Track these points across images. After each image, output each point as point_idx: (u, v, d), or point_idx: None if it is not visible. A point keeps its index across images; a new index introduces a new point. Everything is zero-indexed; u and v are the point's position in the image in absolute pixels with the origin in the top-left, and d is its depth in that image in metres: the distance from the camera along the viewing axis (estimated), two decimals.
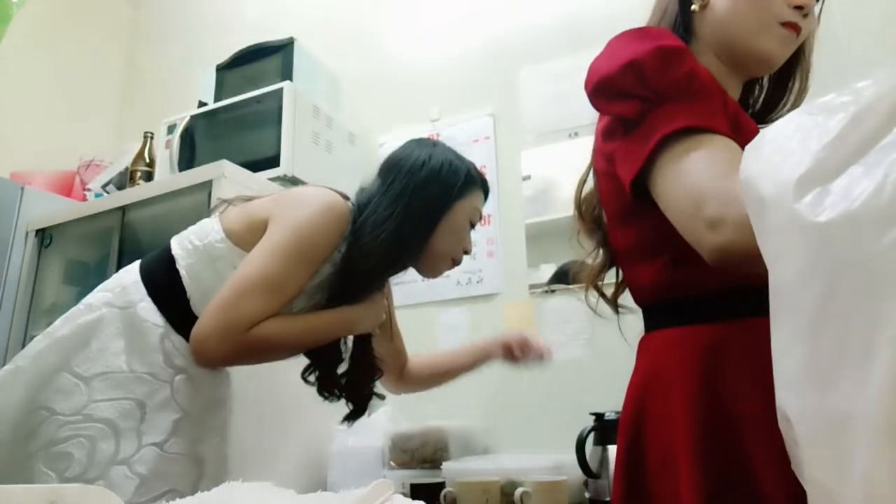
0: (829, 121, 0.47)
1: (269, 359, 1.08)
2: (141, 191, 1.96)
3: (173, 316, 1.05)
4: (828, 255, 0.43)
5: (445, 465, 1.46)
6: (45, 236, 2.12)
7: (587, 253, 0.97)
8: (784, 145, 0.51)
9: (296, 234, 1.04)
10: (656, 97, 0.70)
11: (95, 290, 1.10)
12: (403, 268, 1.18)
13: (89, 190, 2.26)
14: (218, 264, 1.06)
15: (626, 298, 0.95)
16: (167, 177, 2.03)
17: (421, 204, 1.13)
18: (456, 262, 1.23)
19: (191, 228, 1.13)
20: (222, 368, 1.13)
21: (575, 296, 1.80)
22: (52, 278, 2.11)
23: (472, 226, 1.22)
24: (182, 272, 1.06)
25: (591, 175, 0.94)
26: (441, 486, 1.37)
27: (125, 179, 2.22)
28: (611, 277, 0.97)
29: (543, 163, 1.98)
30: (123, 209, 1.93)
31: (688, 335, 0.75)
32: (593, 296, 0.97)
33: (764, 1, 0.80)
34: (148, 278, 1.08)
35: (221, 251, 1.07)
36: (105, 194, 2.18)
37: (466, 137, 2.12)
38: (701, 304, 0.75)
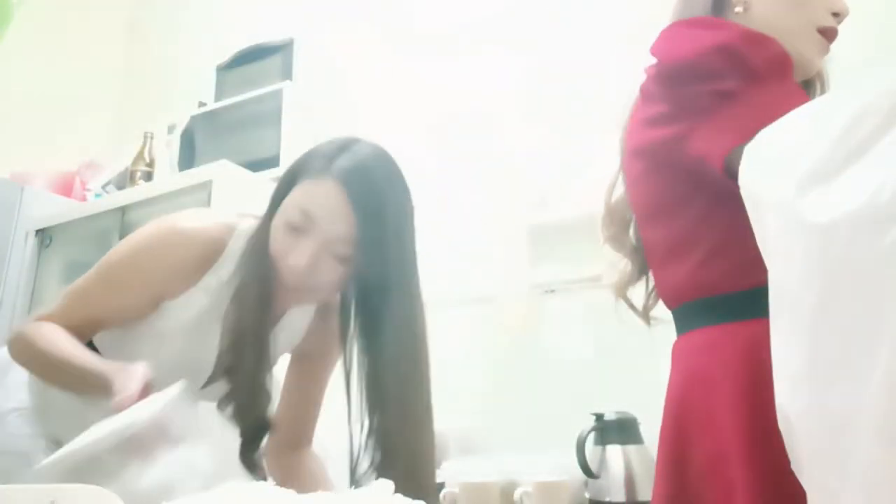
0: (829, 121, 0.47)
1: (33, 364, 0.93)
2: (141, 191, 1.97)
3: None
4: (828, 255, 0.43)
5: (445, 465, 1.46)
6: (45, 236, 2.12)
7: (612, 264, 0.97)
8: (784, 145, 0.51)
9: (115, 251, 0.95)
10: (753, 76, 0.69)
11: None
12: (264, 292, 0.91)
13: (89, 190, 2.26)
14: None
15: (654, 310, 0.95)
16: (167, 177, 2.04)
17: (266, 210, 0.94)
18: (288, 276, 0.88)
19: None
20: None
21: (575, 296, 1.80)
22: (52, 278, 2.11)
23: (294, 228, 0.87)
24: None
25: (619, 179, 0.92)
26: (441, 486, 1.37)
27: (125, 179, 2.22)
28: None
29: (544, 162, 1.97)
30: (123, 209, 1.93)
31: (726, 333, 0.74)
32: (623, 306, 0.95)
33: (806, 6, 0.81)
34: None
35: None
36: (105, 194, 2.19)
37: None
38: (740, 299, 0.74)
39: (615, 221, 0.95)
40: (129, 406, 0.72)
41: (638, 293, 0.96)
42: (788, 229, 0.47)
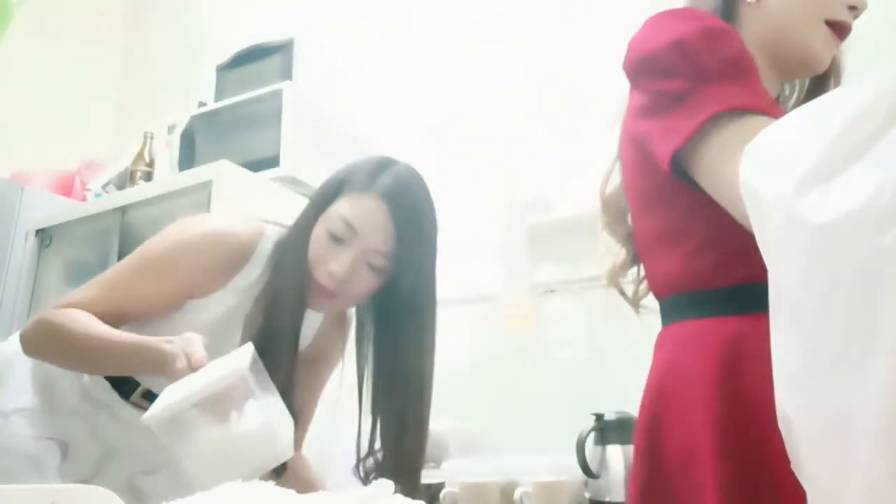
0: (829, 121, 0.47)
1: (57, 351, 0.93)
2: (141, 191, 1.96)
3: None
4: (828, 255, 0.43)
5: (445, 465, 1.46)
6: (45, 236, 2.12)
7: (608, 252, 0.96)
8: (784, 145, 0.51)
9: (150, 246, 0.99)
10: (703, 75, 0.68)
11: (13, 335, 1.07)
12: (301, 295, 0.97)
13: (89, 190, 2.25)
14: None
15: (645, 299, 0.95)
16: (167, 177, 2.03)
17: (302, 218, 1.00)
18: (324, 286, 0.95)
19: None
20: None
21: (575, 296, 1.80)
22: (52, 278, 2.11)
23: (335, 238, 0.94)
24: None
25: (616, 167, 0.92)
26: (441, 486, 1.37)
27: (125, 179, 2.22)
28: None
29: (544, 162, 1.97)
30: (123, 209, 1.93)
31: (709, 327, 0.74)
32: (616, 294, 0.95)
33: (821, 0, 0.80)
34: None
35: None
36: (105, 194, 2.18)
37: None
38: (724, 295, 0.74)
39: (610, 210, 0.95)
40: (200, 368, 0.77)
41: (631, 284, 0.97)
42: (788, 229, 0.47)
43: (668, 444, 0.74)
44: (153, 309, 0.97)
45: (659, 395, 0.78)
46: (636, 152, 0.81)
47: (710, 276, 0.75)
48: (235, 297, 0.99)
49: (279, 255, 0.98)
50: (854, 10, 0.81)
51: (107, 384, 1.01)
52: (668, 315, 0.83)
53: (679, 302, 0.80)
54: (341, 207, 0.95)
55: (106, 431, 1.01)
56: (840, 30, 0.81)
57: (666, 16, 0.76)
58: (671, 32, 0.71)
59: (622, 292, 0.96)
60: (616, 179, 0.94)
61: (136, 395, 1.01)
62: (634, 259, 0.94)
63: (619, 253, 0.95)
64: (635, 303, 0.96)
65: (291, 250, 0.97)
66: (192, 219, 1.03)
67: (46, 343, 0.93)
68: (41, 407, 0.99)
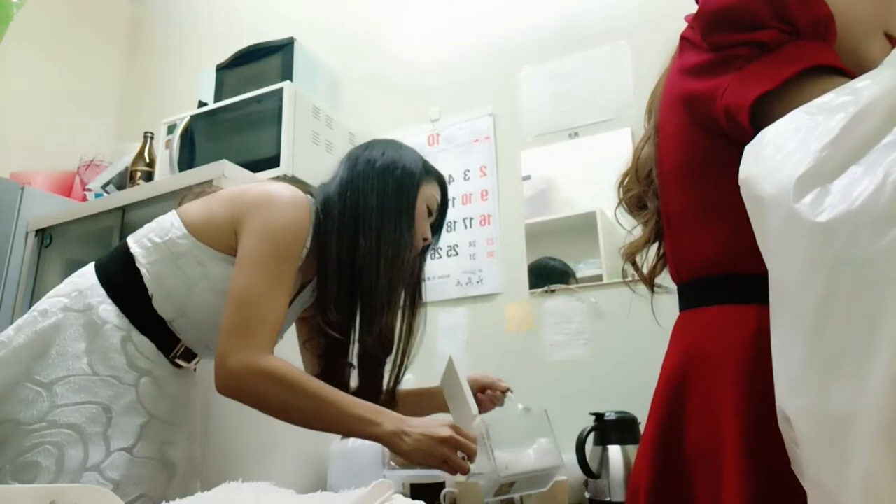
0: (829, 121, 0.47)
1: (269, 399, 0.96)
2: (141, 191, 1.96)
3: (136, 316, 1.02)
4: (828, 255, 0.43)
5: None
6: (45, 236, 2.12)
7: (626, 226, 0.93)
8: (784, 145, 0.51)
9: (274, 238, 1.01)
10: (794, 30, 0.67)
11: (47, 297, 1.06)
12: (404, 260, 1.13)
13: (89, 190, 2.25)
14: (180, 261, 1.03)
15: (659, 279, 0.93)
16: (167, 177, 2.03)
17: (394, 190, 1.12)
18: (417, 252, 1.19)
19: (148, 226, 1.10)
20: (188, 371, 1.10)
21: (575, 296, 1.80)
22: (52, 278, 2.10)
23: (430, 213, 1.20)
24: (142, 271, 1.03)
25: (650, 138, 0.89)
26: (441, 486, 1.37)
27: (125, 179, 2.22)
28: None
29: (543, 163, 1.97)
30: (123, 209, 1.92)
31: (739, 315, 0.71)
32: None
33: (887, 7, 0.78)
34: (106, 280, 1.05)
35: (184, 247, 1.03)
36: (105, 194, 2.18)
37: (466, 137, 2.12)
38: (760, 280, 0.68)
39: (641, 181, 0.91)
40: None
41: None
42: (788, 229, 0.47)
43: (689, 436, 0.72)
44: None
45: (679, 383, 0.75)
46: (684, 114, 0.78)
47: (750, 258, 0.68)
48: (300, 263, 1.06)
49: (398, 223, 1.12)
50: None
51: (153, 347, 1.03)
52: (693, 298, 0.80)
53: (709, 284, 0.77)
54: (432, 190, 1.19)
55: (146, 398, 1.01)
56: (893, 42, 0.80)
57: None
58: None
59: (638, 270, 0.93)
60: (647, 150, 0.90)
61: (176, 354, 1.07)
62: (658, 235, 0.91)
63: (639, 228, 0.92)
64: (650, 280, 0.93)
65: (398, 218, 1.12)
66: (264, 194, 1.05)
67: (269, 392, 0.94)
68: (87, 372, 0.97)
